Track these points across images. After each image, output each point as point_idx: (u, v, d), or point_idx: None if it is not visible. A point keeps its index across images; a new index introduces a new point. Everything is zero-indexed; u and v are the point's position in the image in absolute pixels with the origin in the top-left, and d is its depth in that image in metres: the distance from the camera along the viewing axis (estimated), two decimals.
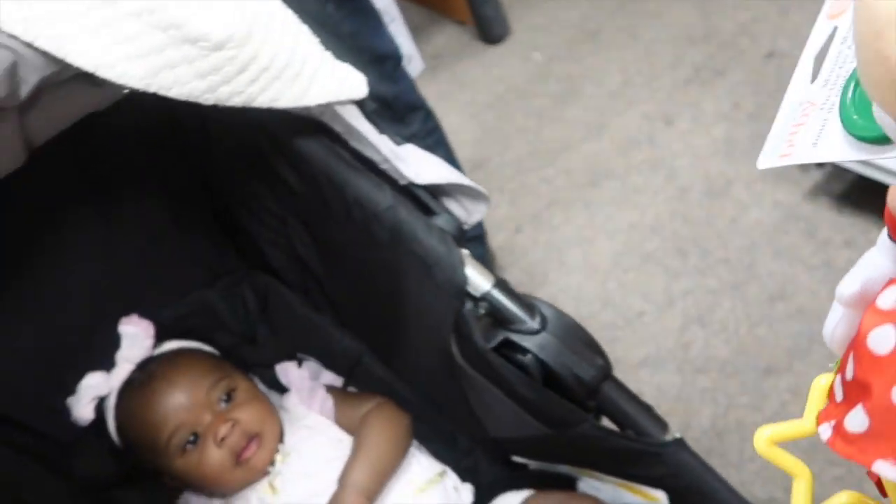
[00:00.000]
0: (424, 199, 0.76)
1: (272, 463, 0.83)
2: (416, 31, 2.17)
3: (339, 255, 0.86)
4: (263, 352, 0.98)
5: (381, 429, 0.84)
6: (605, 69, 1.96)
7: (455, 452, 0.91)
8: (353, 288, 0.89)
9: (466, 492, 0.85)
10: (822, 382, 0.36)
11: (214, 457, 0.79)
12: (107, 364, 0.86)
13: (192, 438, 0.80)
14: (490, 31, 2.19)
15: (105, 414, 0.84)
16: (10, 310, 0.83)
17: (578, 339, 0.71)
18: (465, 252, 0.73)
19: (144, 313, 0.89)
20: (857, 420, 0.29)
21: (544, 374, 0.71)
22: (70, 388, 0.84)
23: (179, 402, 0.81)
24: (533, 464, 0.88)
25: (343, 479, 0.79)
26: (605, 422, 0.74)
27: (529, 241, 1.61)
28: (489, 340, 0.73)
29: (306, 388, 0.89)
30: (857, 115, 0.33)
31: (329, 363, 0.94)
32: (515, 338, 0.72)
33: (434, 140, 1.35)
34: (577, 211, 1.64)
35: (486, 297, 0.73)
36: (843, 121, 0.34)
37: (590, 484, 0.80)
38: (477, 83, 2.11)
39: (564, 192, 1.69)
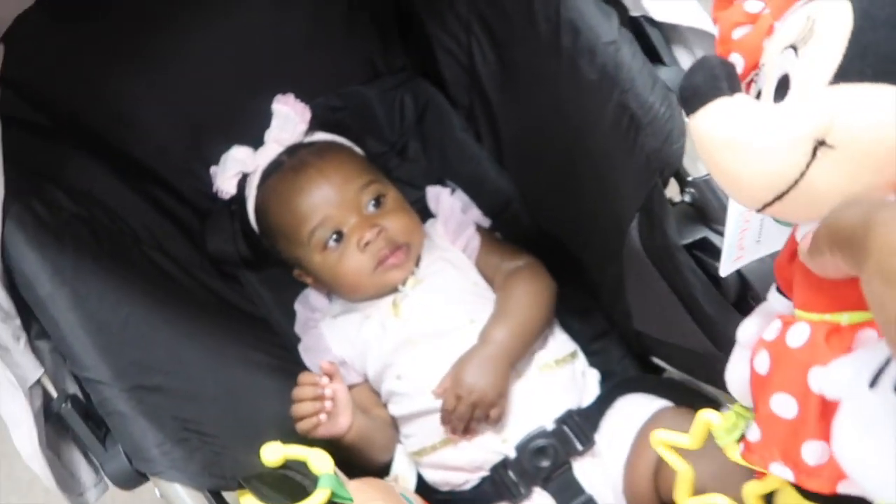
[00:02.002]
0: (655, 41, 0.60)
1: (403, 282, 0.77)
2: None
3: (523, 83, 0.73)
4: (411, 168, 0.90)
5: (531, 292, 0.76)
6: None
7: (588, 330, 0.83)
8: (529, 124, 0.77)
9: (593, 379, 0.77)
10: (705, 416, 0.42)
11: (354, 260, 0.74)
12: (254, 143, 0.80)
13: (335, 236, 0.75)
14: None
15: (246, 192, 0.80)
16: (167, 62, 0.77)
17: None
18: (687, 122, 0.59)
19: (297, 98, 0.81)
20: (754, 432, 0.36)
21: (739, 292, 0.59)
22: (214, 158, 0.79)
23: (329, 196, 0.75)
24: (672, 371, 0.78)
25: (486, 336, 0.72)
26: None
27: None
28: (684, 235, 0.60)
29: (455, 220, 0.81)
30: None
31: (476, 199, 0.85)
32: (718, 241, 0.59)
33: None
34: None
35: (696, 184, 0.59)
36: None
37: None
38: None
39: None
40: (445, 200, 0.82)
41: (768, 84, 0.34)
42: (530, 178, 0.83)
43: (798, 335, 0.35)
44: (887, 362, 0.28)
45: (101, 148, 0.73)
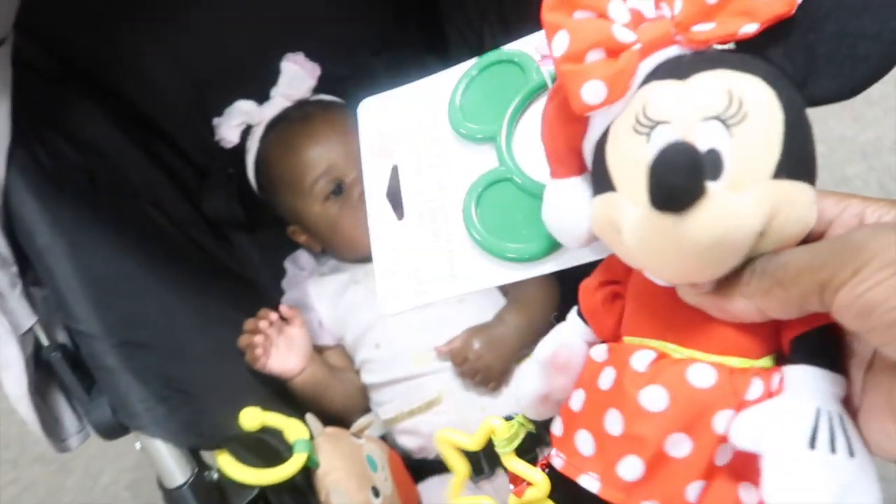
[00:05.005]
0: None
1: None
2: None
3: None
4: None
5: (545, 290, 0.77)
6: None
7: None
8: None
9: None
10: (490, 422, 0.42)
11: (354, 214, 0.75)
12: (260, 101, 0.80)
13: (336, 189, 0.76)
14: None
15: (247, 145, 0.80)
16: (178, 16, 0.77)
17: None
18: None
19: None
20: (631, 469, 0.32)
21: None
22: (219, 115, 0.80)
23: (335, 146, 0.76)
24: None
25: (502, 317, 0.74)
26: None
27: None
28: None
29: None
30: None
31: None
32: None
33: None
34: None
35: None
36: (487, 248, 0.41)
37: None
38: None
39: None
40: None
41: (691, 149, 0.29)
42: None
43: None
44: (817, 418, 0.28)
45: (107, 98, 0.73)
